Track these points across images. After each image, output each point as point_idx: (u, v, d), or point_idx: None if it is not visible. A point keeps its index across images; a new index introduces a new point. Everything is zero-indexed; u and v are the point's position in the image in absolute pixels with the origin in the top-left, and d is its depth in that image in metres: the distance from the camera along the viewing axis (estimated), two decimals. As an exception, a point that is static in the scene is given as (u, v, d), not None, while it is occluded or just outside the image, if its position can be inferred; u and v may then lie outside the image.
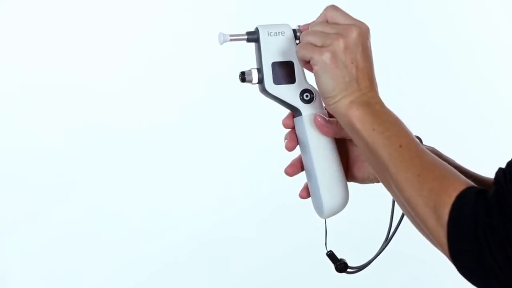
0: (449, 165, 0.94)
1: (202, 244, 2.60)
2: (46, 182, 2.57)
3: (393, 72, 2.66)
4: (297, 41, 1.07)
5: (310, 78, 1.07)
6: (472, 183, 0.90)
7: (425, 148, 0.96)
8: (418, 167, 0.92)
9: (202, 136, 2.61)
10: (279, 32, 1.06)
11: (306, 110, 1.06)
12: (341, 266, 1.08)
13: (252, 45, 1.07)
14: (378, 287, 2.50)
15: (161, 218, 2.61)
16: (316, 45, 1.01)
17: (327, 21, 1.04)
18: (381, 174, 0.97)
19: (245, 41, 1.07)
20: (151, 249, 2.59)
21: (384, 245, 1.08)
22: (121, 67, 2.61)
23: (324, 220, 1.09)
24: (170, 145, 2.61)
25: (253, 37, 1.06)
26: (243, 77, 1.06)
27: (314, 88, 1.06)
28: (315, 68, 1.00)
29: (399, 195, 0.94)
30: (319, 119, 1.06)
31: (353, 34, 1.00)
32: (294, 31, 1.08)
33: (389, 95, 2.73)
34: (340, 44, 1.00)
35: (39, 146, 2.57)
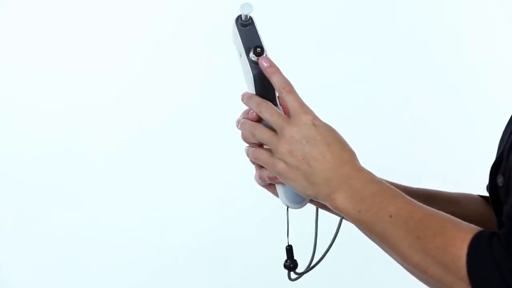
0: (442, 212, 0.92)
1: (202, 244, 2.60)
2: (46, 182, 2.57)
3: (392, 72, 2.66)
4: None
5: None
6: (475, 227, 0.89)
7: (413, 200, 0.94)
8: (415, 229, 0.90)
9: (202, 136, 2.61)
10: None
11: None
12: (288, 264, 1.08)
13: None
14: (378, 287, 2.50)
15: (161, 218, 2.60)
16: (266, 160, 1.01)
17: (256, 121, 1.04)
18: (383, 248, 0.95)
19: (241, 23, 1.05)
20: (151, 249, 2.59)
21: (327, 249, 1.07)
22: (121, 67, 2.61)
23: (286, 210, 1.09)
24: (170, 145, 2.61)
25: (249, 22, 1.05)
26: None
27: None
28: (280, 179, 1.01)
29: (406, 264, 0.92)
30: None
31: (290, 132, 0.99)
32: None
33: (386, 95, 2.72)
34: (281, 149, 0.99)
35: (39, 147, 2.57)
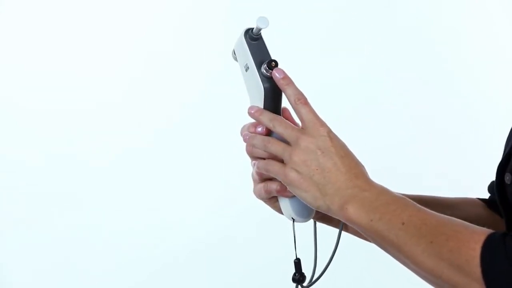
0: (455, 218, 0.92)
1: (202, 244, 2.60)
2: (46, 182, 2.57)
3: (392, 72, 2.66)
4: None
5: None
6: (487, 229, 0.89)
7: (425, 208, 0.95)
8: (428, 234, 0.90)
9: (202, 136, 2.61)
10: None
11: None
12: (296, 278, 1.08)
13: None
14: (378, 286, 2.50)
15: (161, 218, 2.60)
16: (278, 170, 1.01)
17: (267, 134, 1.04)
18: (396, 256, 0.95)
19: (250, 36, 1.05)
20: (151, 249, 2.59)
21: (329, 261, 1.06)
22: (121, 67, 2.61)
23: (292, 224, 1.08)
24: (170, 146, 2.61)
25: (259, 36, 1.06)
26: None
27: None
28: (290, 189, 1.01)
29: (420, 271, 0.92)
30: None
31: (305, 143, 0.99)
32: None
33: (386, 95, 2.71)
34: (295, 159, 0.99)
35: (39, 147, 2.57)
